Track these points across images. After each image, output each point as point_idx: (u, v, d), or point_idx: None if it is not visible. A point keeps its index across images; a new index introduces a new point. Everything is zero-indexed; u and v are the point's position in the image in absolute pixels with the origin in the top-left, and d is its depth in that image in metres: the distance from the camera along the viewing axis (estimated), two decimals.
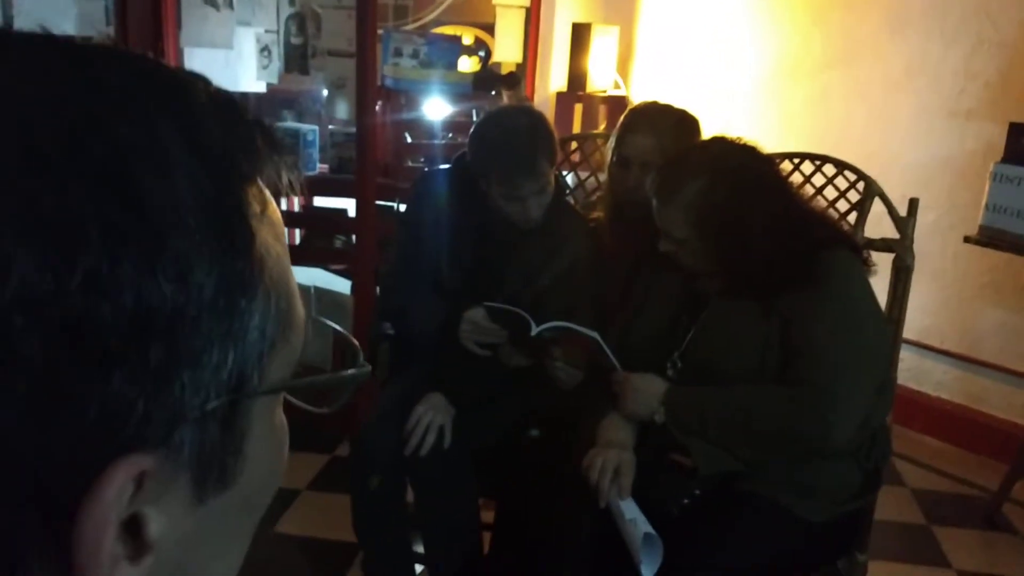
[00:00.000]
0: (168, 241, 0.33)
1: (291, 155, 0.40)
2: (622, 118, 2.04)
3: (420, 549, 2.05)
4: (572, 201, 2.34)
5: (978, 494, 3.02)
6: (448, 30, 4.93)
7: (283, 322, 0.38)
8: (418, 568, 2.12)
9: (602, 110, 4.14)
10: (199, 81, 0.38)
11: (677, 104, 2.06)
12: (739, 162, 1.67)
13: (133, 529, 0.33)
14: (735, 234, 1.62)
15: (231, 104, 0.38)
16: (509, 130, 1.89)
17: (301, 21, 3.16)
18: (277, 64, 3.27)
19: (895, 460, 3.11)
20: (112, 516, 0.32)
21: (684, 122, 1.99)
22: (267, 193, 0.39)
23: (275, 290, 0.38)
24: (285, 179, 0.40)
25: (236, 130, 0.38)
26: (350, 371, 0.45)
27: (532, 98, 4.21)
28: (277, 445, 0.42)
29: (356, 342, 0.49)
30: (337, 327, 0.50)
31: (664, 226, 1.68)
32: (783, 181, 1.75)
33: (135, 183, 0.32)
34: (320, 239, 3.38)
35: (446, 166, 2.13)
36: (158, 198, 0.33)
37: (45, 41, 0.36)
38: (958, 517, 2.88)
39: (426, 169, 2.20)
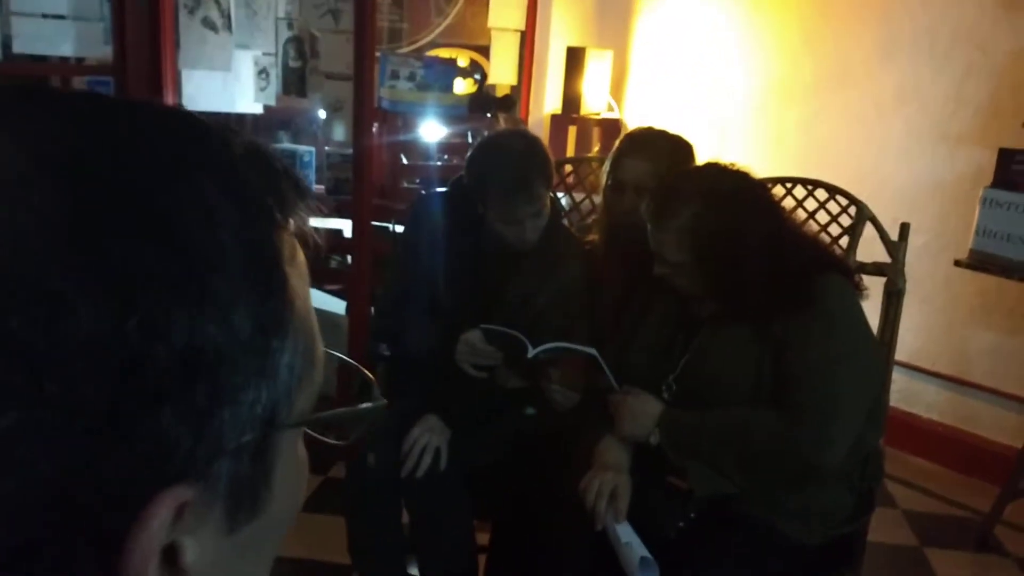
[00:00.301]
0: (212, 285, 0.35)
1: (316, 201, 0.43)
2: (617, 143, 2.06)
3: (415, 571, 2.06)
4: (567, 223, 2.35)
5: (970, 516, 3.04)
6: (444, 52, 4.97)
7: (308, 359, 0.41)
8: None
9: (596, 132, 4.18)
10: (233, 133, 0.40)
11: (672, 129, 2.08)
12: (732, 187, 1.69)
13: (170, 557, 0.35)
14: (729, 258, 1.64)
15: (263, 153, 0.41)
16: (505, 154, 1.91)
17: (299, 45, 3.19)
18: (275, 86, 3.29)
19: (887, 482, 3.12)
20: (156, 545, 0.34)
21: (679, 147, 2.02)
22: (295, 238, 0.41)
23: (302, 329, 0.40)
24: (310, 223, 0.42)
25: (268, 178, 0.40)
26: (367, 405, 0.48)
27: (527, 120, 4.25)
28: (299, 475, 0.44)
29: (371, 376, 0.51)
30: (354, 362, 0.51)
31: (659, 250, 1.70)
32: (775, 206, 1.77)
33: (181, 231, 0.35)
34: (315, 259, 3.40)
35: (443, 189, 2.15)
36: (202, 245, 0.35)
37: (87, 99, 0.38)
38: (950, 539, 2.89)
39: (423, 192, 2.22)
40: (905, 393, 3.48)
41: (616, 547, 1.58)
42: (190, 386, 0.34)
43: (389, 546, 2.02)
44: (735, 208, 1.65)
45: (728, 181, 1.70)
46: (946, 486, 3.25)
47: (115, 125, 0.37)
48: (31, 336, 0.31)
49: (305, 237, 0.42)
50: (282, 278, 0.39)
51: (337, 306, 3.23)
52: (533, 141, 1.96)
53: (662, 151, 1.99)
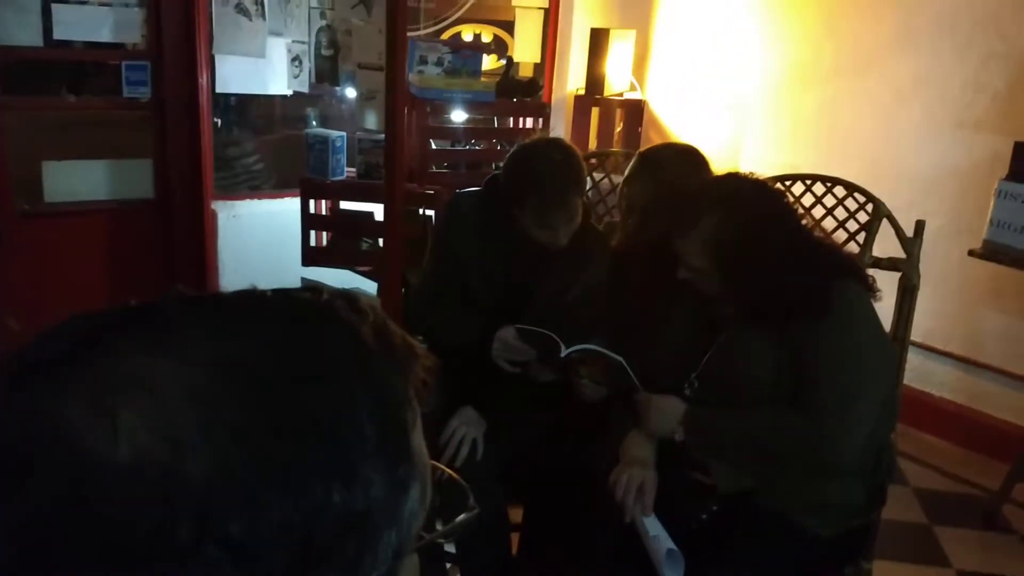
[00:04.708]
0: (360, 469, 0.46)
1: (428, 355, 0.53)
2: (631, 163, 2.14)
3: (452, 549, 2.19)
4: (595, 214, 2.43)
5: (979, 494, 3.14)
6: (467, 28, 5.00)
7: (423, 494, 0.51)
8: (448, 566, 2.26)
9: (619, 113, 4.23)
10: (362, 315, 0.50)
11: (683, 141, 2.16)
12: (751, 197, 1.78)
13: None
14: (748, 265, 1.73)
15: (385, 328, 0.51)
16: (544, 164, 1.99)
17: (332, 34, 3.27)
18: (308, 73, 3.37)
19: (898, 459, 3.21)
20: None
21: (688, 162, 2.09)
22: (416, 400, 0.51)
23: (421, 476, 0.51)
24: (423, 378, 0.52)
25: (394, 358, 0.50)
26: (464, 516, 0.60)
27: (550, 100, 4.31)
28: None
29: (466, 485, 0.62)
30: (453, 473, 0.62)
31: (682, 257, 1.79)
32: (793, 213, 1.85)
33: (341, 436, 0.46)
34: (347, 242, 3.50)
35: (476, 189, 2.24)
36: (355, 444, 0.46)
37: (276, 313, 0.48)
38: (959, 517, 2.99)
39: (457, 191, 2.31)
40: (918, 372, 3.56)
41: (644, 539, 1.69)
42: (344, 544, 0.45)
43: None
44: (754, 217, 1.74)
45: (747, 191, 1.79)
46: (956, 464, 3.35)
47: (282, 341, 0.47)
48: (242, 535, 0.41)
49: (420, 390, 0.52)
50: (408, 448, 0.49)
51: (369, 288, 3.34)
52: (568, 151, 2.03)
53: (669, 173, 2.06)
